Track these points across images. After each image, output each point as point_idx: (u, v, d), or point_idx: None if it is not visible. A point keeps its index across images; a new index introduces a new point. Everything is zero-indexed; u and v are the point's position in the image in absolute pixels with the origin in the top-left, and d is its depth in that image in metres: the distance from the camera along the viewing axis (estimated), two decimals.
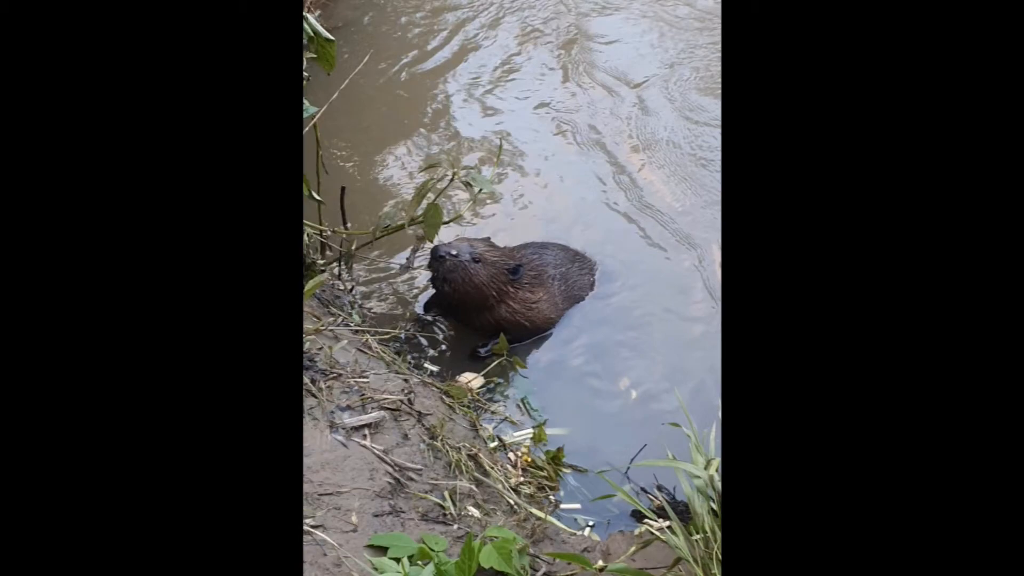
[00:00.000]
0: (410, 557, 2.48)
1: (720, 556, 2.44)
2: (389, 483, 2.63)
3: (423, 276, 3.72)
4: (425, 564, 2.47)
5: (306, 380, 2.68)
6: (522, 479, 2.98)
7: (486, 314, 3.51)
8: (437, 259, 3.36)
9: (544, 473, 3.05)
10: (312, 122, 3.13)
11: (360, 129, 4.48)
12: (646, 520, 2.66)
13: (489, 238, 3.61)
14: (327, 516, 2.47)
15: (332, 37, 2.76)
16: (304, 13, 2.63)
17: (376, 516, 2.55)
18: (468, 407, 3.14)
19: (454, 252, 3.37)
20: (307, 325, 2.90)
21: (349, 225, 3.64)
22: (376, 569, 2.44)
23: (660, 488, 3.15)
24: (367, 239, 3.54)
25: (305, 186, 2.99)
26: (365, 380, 2.81)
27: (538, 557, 2.60)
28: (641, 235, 4.09)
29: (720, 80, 1.53)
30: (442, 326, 3.66)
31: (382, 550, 2.49)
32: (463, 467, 2.80)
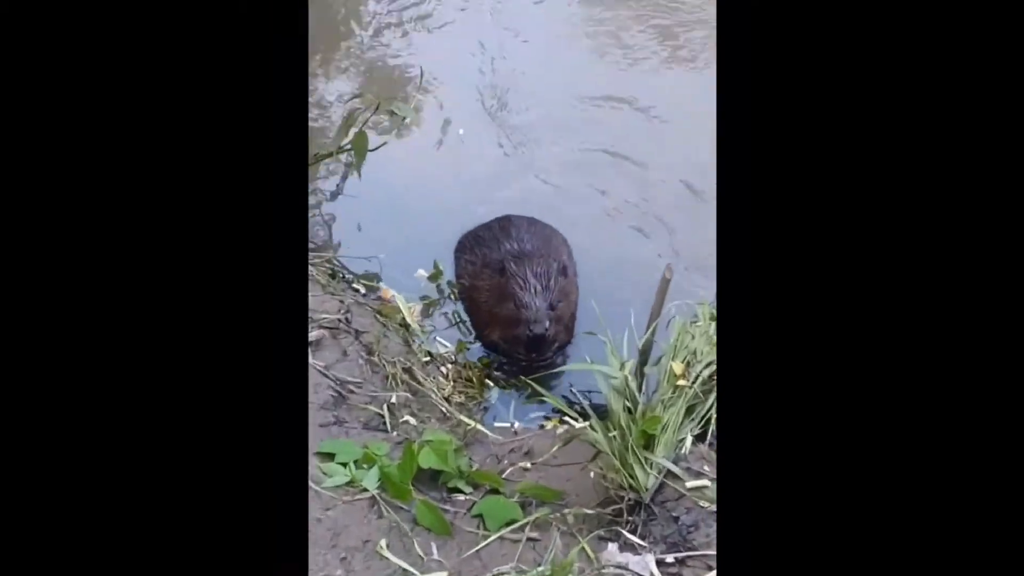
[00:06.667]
0: (355, 461, 2.70)
1: (634, 449, 2.76)
2: (332, 396, 2.83)
3: (353, 205, 3.86)
4: (370, 467, 2.70)
5: None
6: (453, 389, 3.23)
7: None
8: (540, 337, 3.44)
9: (473, 383, 3.31)
10: None
11: None
12: (565, 419, 2.94)
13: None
14: None
15: None
16: None
17: (322, 427, 2.76)
18: (401, 324, 3.34)
19: (547, 324, 3.43)
20: None
21: None
22: (325, 474, 2.65)
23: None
24: None
25: None
26: None
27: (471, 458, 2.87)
28: None
29: None
30: None
31: (330, 456, 2.71)
32: (399, 380, 3.03)
